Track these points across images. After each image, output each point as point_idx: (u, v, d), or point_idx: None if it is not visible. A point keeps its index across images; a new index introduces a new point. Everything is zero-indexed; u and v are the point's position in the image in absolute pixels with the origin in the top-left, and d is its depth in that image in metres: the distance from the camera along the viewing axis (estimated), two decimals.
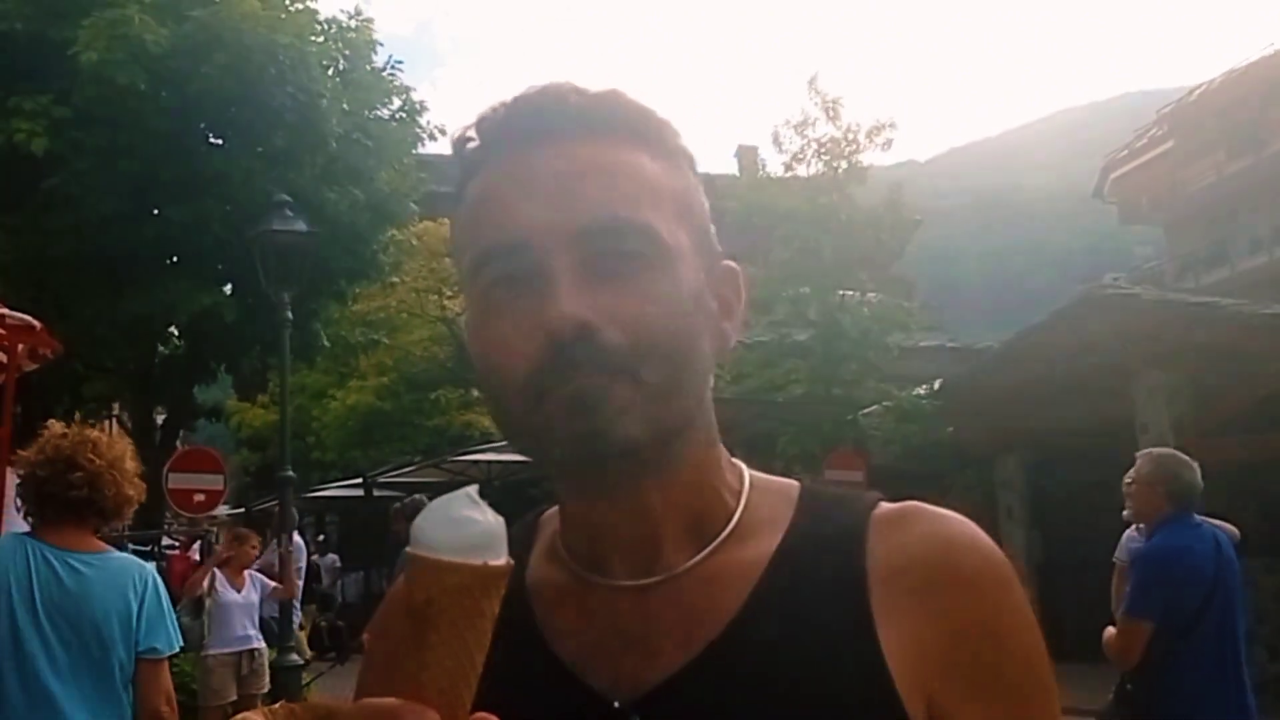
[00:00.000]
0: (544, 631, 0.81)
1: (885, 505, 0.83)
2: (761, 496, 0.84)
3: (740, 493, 0.84)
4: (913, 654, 0.75)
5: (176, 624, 3.09)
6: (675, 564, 0.80)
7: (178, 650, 3.10)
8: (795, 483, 0.87)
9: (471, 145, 0.81)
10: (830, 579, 0.78)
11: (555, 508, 0.89)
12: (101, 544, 3.06)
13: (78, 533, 2.95)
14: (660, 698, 0.75)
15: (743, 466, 0.87)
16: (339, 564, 18.71)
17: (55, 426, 3.09)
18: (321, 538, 20.09)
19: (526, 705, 0.70)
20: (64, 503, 2.91)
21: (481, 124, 0.81)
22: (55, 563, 2.84)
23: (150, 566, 3.17)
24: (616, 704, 0.76)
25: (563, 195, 0.76)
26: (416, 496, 7.88)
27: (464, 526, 0.64)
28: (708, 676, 0.76)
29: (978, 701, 0.76)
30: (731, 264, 0.85)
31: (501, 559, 0.64)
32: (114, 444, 3.05)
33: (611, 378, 0.73)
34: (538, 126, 0.78)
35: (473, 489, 0.66)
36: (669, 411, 0.76)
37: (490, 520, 0.64)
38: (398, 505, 7.75)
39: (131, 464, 3.05)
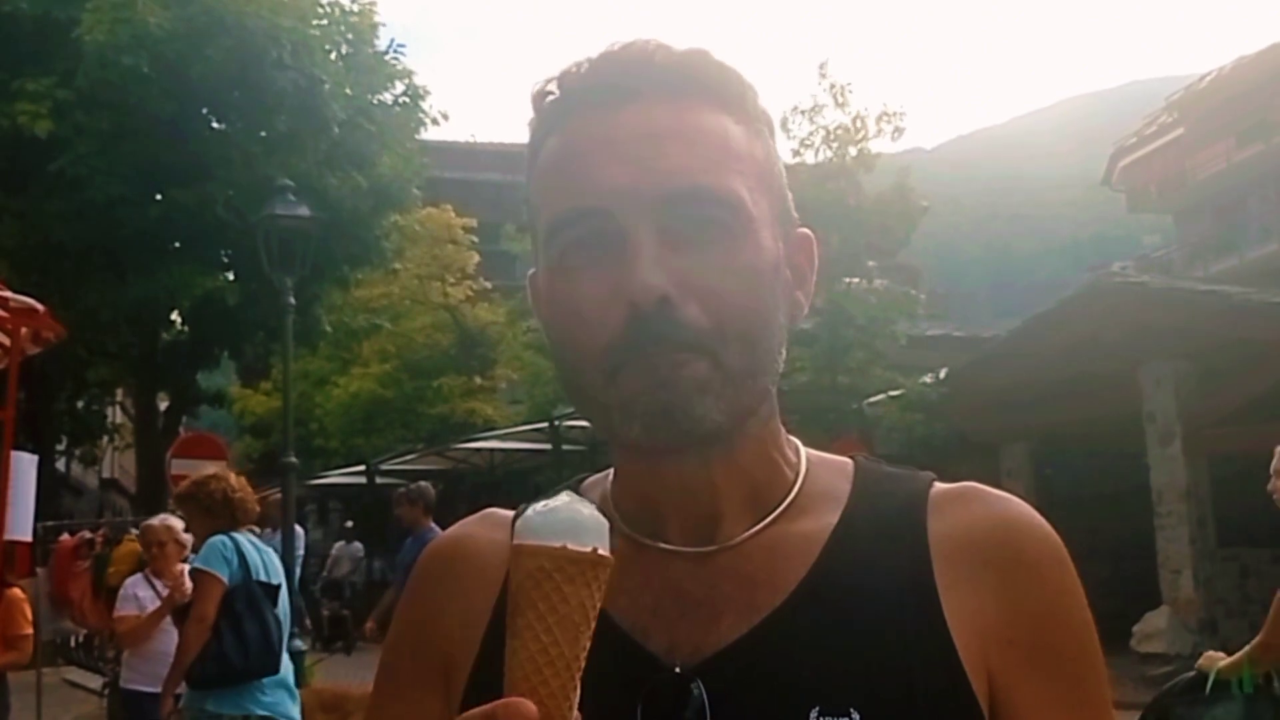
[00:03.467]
0: None
1: (941, 484, 0.83)
2: (818, 471, 0.85)
3: (798, 466, 0.84)
4: (976, 628, 0.76)
5: None
6: (734, 533, 0.80)
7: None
8: (849, 459, 0.87)
9: (551, 99, 0.79)
10: (892, 552, 0.78)
11: (600, 473, 0.89)
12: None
13: (250, 527, 4.82)
14: (721, 663, 0.75)
15: (798, 442, 0.87)
16: (362, 554, 18.39)
17: (210, 467, 5.16)
18: (349, 523, 19.56)
19: (584, 668, 0.69)
20: (251, 512, 4.70)
21: (564, 79, 0.79)
22: (260, 546, 4.66)
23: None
24: (678, 669, 0.75)
25: (647, 159, 0.74)
26: (421, 483, 7.84)
27: (549, 513, 0.65)
28: (770, 643, 0.75)
29: (1038, 678, 0.77)
30: (806, 231, 0.85)
31: (585, 546, 0.64)
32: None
33: (692, 357, 0.73)
34: (622, 85, 0.76)
35: (569, 492, 0.69)
36: (747, 393, 0.76)
37: (577, 509, 0.65)
38: (401, 490, 7.70)
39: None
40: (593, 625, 0.65)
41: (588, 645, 0.64)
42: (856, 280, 13.47)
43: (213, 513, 4.55)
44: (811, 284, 0.84)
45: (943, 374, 13.40)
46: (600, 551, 0.64)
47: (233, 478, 4.71)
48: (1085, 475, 13.71)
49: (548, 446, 16.01)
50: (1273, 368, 10.51)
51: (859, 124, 13.19)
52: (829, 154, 13.32)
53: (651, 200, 0.73)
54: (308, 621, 11.16)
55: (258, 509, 4.76)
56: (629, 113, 0.76)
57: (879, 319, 13.17)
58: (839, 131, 13.20)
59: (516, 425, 17.75)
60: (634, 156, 0.74)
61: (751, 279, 0.75)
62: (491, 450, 18.10)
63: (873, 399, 13.25)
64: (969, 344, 17.04)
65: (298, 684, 6.58)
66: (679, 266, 0.73)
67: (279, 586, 4.67)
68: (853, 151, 13.22)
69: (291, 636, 8.73)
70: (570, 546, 0.63)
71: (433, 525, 7.14)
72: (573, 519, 0.65)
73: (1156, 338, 11.01)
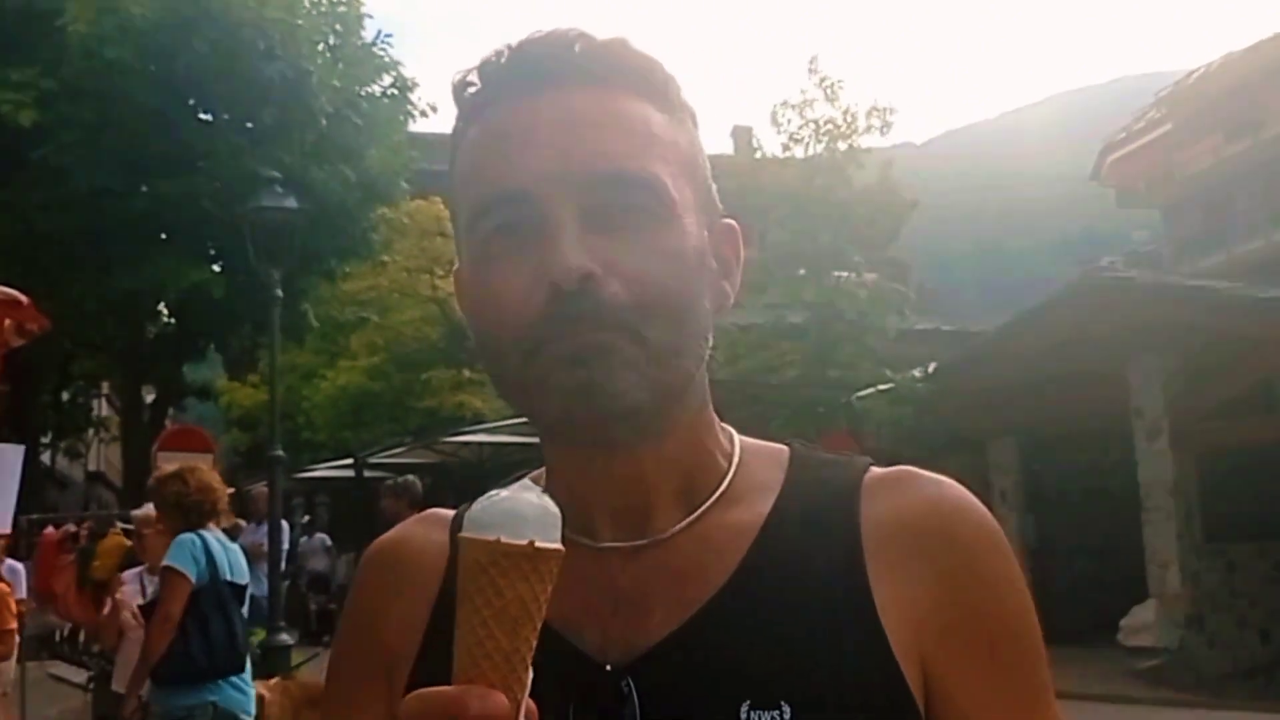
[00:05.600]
0: None
1: (876, 469, 0.82)
2: (752, 460, 0.83)
3: (731, 456, 0.83)
4: (908, 615, 0.75)
5: None
6: (665, 527, 0.79)
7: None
8: (785, 447, 0.86)
9: (472, 90, 0.79)
10: (824, 541, 0.77)
11: (538, 470, 0.88)
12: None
13: (215, 526, 4.78)
14: (653, 660, 0.74)
15: (732, 431, 0.85)
16: (329, 543, 18.46)
17: (170, 467, 4.85)
18: (307, 518, 19.76)
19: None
20: (215, 512, 4.67)
21: (484, 68, 0.78)
22: (224, 544, 4.68)
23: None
24: (609, 666, 0.74)
25: (568, 145, 0.73)
26: (409, 477, 7.82)
27: (489, 505, 0.63)
28: (701, 638, 0.74)
29: (972, 663, 0.75)
30: (730, 222, 0.84)
31: (521, 538, 0.62)
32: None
33: (614, 334, 0.71)
34: (543, 73, 0.75)
35: (528, 480, 0.66)
36: (671, 373, 0.74)
37: (519, 499, 0.63)
38: (388, 483, 7.71)
39: None
40: (536, 619, 0.63)
41: (532, 639, 0.63)
42: (846, 275, 13.46)
43: (167, 514, 4.65)
44: (738, 275, 0.83)
45: (931, 369, 13.42)
46: (539, 544, 0.62)
47: (193, 478, 4.63)
48: (1073, 470, 13.75)
49: (537, 440, 15.90)
50: (1259, 363, 10.54)
51: (849, 119, 13.18)
52: (818, 149, 13.30)
53: (574, 184, 0.72)
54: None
55: (220, 508, 4.74)
56: (549, 99, 0.75)
57: (868, 314, 13.17)
58: (829, 126, 13.18)
59: (506, 418, 17.67)
60: (556, 141, 0.73)
61: (675, 262, 0.74)
62: (480, 444, 18.01)
63: (862, 393, 13.25)
64: (958, 338, 17.06)
65: (283, 677, 6.64)
66: (602, 249, 0.72)
67: (245, 586, 4.76)
68: (842, 146, 13.20)
69: (278, 630, 8.80)
70: (504, 540, 0.62)
71: None
72: (510, 511, 0.63)
73: (1144, 333, 11.04)
